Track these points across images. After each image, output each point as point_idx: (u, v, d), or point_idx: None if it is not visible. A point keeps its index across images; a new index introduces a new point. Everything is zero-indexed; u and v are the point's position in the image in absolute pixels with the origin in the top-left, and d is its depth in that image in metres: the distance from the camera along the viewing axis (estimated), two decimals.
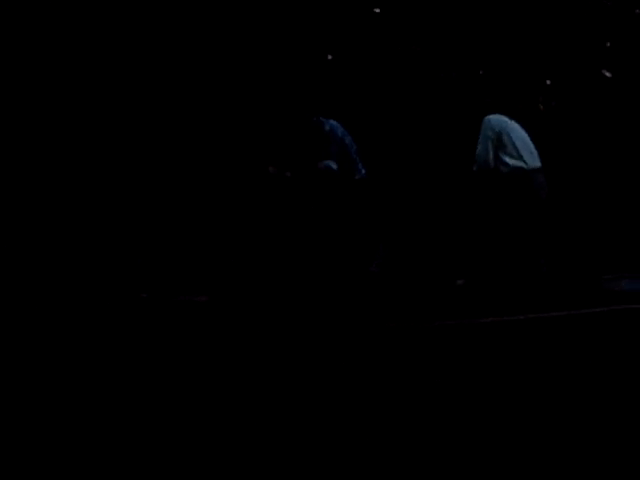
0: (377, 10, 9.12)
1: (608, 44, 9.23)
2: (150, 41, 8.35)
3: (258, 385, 4.13)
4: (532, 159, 7.34)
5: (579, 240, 8.54)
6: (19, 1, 8.05)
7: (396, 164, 8.63)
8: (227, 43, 8.55)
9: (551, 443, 3.05)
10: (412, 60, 9.00)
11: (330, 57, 8.99)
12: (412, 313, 6.26)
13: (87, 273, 7.53)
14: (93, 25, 8.19)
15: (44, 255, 7.55)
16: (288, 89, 8.18)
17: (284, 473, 2.85)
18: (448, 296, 7.08)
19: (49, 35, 8.07)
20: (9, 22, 7.97)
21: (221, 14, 8.59)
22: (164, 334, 5.63)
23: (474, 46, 9.05)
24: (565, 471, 2.77)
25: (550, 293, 6.90)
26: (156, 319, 6.31)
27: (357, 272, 7.40)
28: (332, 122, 7.59)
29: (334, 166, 7.52)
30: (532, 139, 7.50)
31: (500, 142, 7.26)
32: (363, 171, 7.63)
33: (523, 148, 7.31)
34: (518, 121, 7.51)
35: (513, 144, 7.27)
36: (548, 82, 9.24)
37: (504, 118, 7.40)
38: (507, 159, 7.26)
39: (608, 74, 9.20)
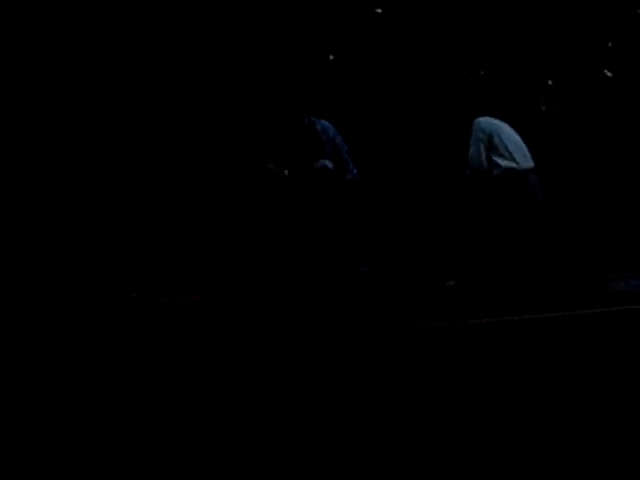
0: (379, 10, 9.13)
1: (609, 44, 9.20)
2: (150, 41, 8.40)
3: (251, 386, 4.11)
4: (524, 160, 7.34)
5: (580, 240, 8.53)
6: (19, 1, 8.12)
7: (389, 164, 8.64)
8: (227, 43, 8.59)
9: (551, 443, 3.04)
10: (412, 60, 9.00)
11: (332, 57, 9.01)
12: (403, 314, 6.25)
13: (77, 273, 7.58)
14: (93, 25, 8.24)
15: (35, 256, 7.61)
16: (282, 89, 8.20)
17: (278, 474, 2.85)
18: (439, 297, 7.09)
19: (49, 35, 8.13)
20: (9, 22, 8.04)
21: (221, 14, 8.63)
22: (154, 334, 5.65)
23: (474, 46, 9.04)
24: (564, 472, 2.76)
25: (544, 293, 6.89)
26: (146, 319, 6.34)
27: (348, 272, 7.41)
28: (324, 122, 7.60)
29: (330, 165, 7.53)
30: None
31: (491, 144, 7.26)
32: (355, 171, 7.63)
33: (515, 149, 7.32)
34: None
35: (504, 145, 7.28)
36: (550, 82, 9.23)
37: (494, 120, 7.42)
38: (499, 160, 7.27)
39: (609, 74, 9.17)
